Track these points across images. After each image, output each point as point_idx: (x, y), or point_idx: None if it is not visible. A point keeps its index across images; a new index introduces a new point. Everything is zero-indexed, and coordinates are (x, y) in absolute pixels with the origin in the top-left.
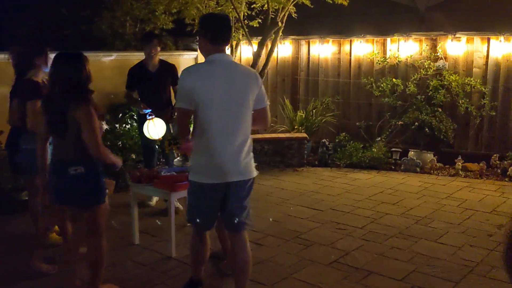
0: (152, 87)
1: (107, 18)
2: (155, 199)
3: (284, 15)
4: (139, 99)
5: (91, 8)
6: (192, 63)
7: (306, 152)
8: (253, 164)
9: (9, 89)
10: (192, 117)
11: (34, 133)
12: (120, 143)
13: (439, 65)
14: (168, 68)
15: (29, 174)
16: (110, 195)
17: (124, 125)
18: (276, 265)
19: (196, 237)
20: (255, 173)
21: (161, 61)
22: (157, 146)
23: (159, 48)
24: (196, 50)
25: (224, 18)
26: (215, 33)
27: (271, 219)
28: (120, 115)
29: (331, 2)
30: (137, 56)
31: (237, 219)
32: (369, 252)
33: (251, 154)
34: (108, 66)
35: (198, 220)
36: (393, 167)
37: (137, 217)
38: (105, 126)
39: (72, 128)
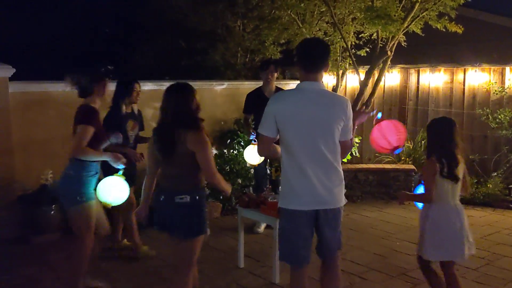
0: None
1: (220, 49)
2: (263, 226)
3: (394, 44)
4: (253, 123)
5: (206, 40)
6: None
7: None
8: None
9: None
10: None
11: (76, 158)
12: (228, 167)
13: None
14: None
15: (70, 204)
16: (218, 217)
17: (232, 150)
18: None
19: (294, 273)
20: (344, 201)
21: (278, 88)
22: (268, 171)
23: (276, 74)
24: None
25: (317, 44)
26: (306, 59)
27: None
28: (229, 141)
29: (443, 30)
30: (247, 85)
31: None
32: None
33: (343, 182)
34: (219, 94)
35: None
36: (510, 205)
37: (243, 241)
38: (214, 151)
39: (181, 157)
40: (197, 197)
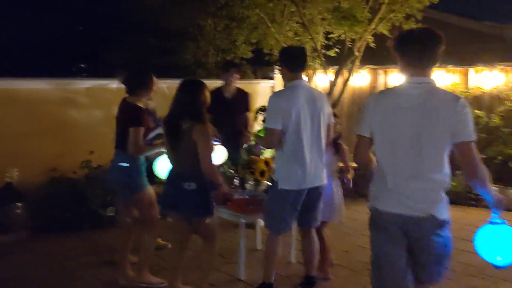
0: (226, 113)
1: (191, 48)
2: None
3: (362, 44)
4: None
5: (178, 39)
6: (269, 91)
7: None
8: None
9: (105, 113)
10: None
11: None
12: None
13: None
14: (243, 95)
15: (135, 191)
16: None
17: None
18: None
19: (275, 239)
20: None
21: (238, 88)
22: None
23: (237, 76)
24: (273, 79)
25: (301, 49)
26: (293, 62)
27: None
28: None
29: None
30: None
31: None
32: None
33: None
34: None
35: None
36: (473, 203)
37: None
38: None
39: (188, 146)
40: (202, 183)
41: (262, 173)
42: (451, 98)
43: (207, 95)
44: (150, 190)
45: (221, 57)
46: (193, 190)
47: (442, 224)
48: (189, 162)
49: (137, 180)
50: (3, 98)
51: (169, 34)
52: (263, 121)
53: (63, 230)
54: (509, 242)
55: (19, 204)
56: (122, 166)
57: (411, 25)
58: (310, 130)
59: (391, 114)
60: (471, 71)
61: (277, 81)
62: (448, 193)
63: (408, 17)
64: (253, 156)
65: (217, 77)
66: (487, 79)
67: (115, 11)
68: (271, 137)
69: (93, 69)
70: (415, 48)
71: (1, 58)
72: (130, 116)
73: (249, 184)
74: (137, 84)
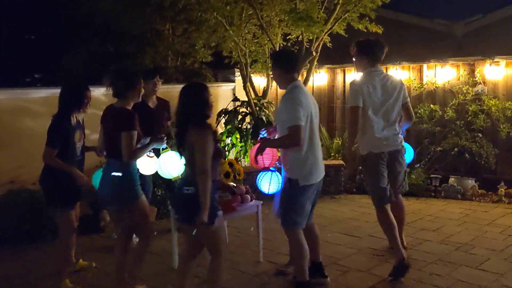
0: (153, 123)
1: (150, 53)
2: None
3: (319, 44)
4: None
5: (136, 44)
6: (230, 93)
7: (343, 179)
8: None
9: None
10: None
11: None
12: None
13: (477, 90)
14: (165, 104)
15: (130, 201)
16: (152, 222)
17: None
18: None
19: (301, 235)
20: None
21: (158, 97)
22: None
23: (160, 84)
24: (234, 82)
25: (294, 52)
26: (290, 64)
27: None
28: None
29: (365, 30)
30: (178, 89)
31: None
32: (406, 279)
33: None
34: None
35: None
36: (432, 194)
37: (176, 242)
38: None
39: (188, 150)
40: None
41: (227, 175)
42: (396, 78)
43: (208, 97)
44: (144, 199)
45: (181, 62)
46: (191, 194)
47: (403, 151)
48: (189, 166)
49: (132, 190)
50: None
51: (127, 39)
52: (225, 124)
53: (23, 243)
54: None
55: None
56: (115, 176)
57: (365, 24)
58: (315, 126)
59: (372, 90)
60: (425, 67)
61: (238, 84)
62: (409, 185)
63: (362, 16)
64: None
65: (178, 81)
66: (439, 74)
67: (70, 17)
68: (298, 134)
69: (49, 78)
70: (380, 50)
71: None
72: (121, 121)
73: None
74: (125, 86)
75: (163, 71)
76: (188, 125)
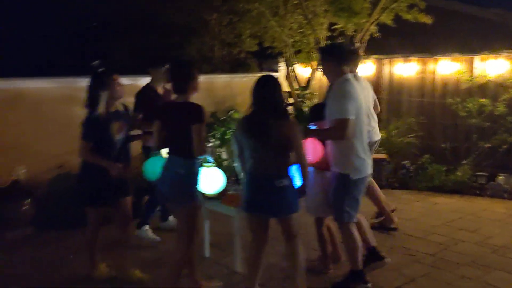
0: None
1: (196, 43)
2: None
3: (363, 35)
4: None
5: (182, 35)
6: None
7: (385, 173)
8: None
9: None
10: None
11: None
12: None
13: None
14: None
15: (190, 201)
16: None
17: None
18: None
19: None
20: None
21: (165, 88)
22: None
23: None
24: (277, 71)
25: (343, 45)
26: (340, 58)
27: None
28: None
29: (414, 21)
30: (223, 79)
31: None
32: (436, 280)
33: None
34: None
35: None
36: (478, 192)
37: (208, 231)
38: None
39: (275, 143)
40: (290, 179)
41: None
42: (367, 81)
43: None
44: (200, 203)
45: (227, 51)
46: (285, 186)
47: None
48: (280, 159)
49: (193, 189)
50: (10, 97)
51: (171, 30)
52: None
53: (68, 227)
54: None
55: (26, 201)
56: (175, 172)
57: (414, 15)
58: (364, 119)
59: (358, 96)
60: (476, 59)
61: (282, 74)
62: (454, 182)
63: (411, 6)
64: None
65: (223, 71)
66: (492, 67)
67: (119, 9)
68: (344, 128)
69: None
70: (356, 57)
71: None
72: (192, 114)
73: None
74: (186, 80)
75: (208, 61)
76: (270, 118)
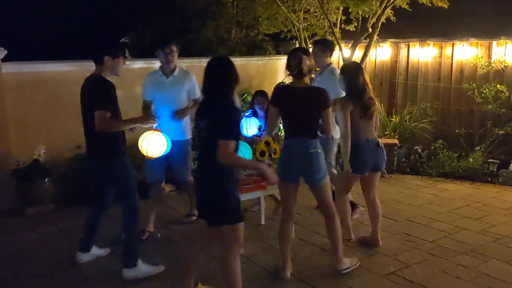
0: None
1: (211, 26)
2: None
3: (378, 19)
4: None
5: (199, 18)
6: None
7: (396, 158)
8: None
9: (127, 93)
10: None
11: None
12: None
13: None
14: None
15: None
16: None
17: None
18: (332, 271)
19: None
20: None
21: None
22: None
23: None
24: None
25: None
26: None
27: None
28: None
29: (430, 5)
30: (239, 62)
31: None
32: (431, 268)
33: None
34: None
35: None
36: (489, 179)
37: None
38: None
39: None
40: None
41: (262, 153)
42: None
43: None
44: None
45: (245, 33)
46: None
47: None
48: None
49: (324, 165)
50: (31, 80)
51: (190, 14)
52: None
53: (87, 204)
54: None
55: (47, 179)
56: (315, 151)
57: None
58: None
59: None
60: (494, 44)
61: None
62: (465, 169)
63: None
64: (254, 137)
65: (240, 53)
66: (510, 52)
67: None
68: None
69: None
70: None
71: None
72: (323, 98)
73: None
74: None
75: (224, 43)
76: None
